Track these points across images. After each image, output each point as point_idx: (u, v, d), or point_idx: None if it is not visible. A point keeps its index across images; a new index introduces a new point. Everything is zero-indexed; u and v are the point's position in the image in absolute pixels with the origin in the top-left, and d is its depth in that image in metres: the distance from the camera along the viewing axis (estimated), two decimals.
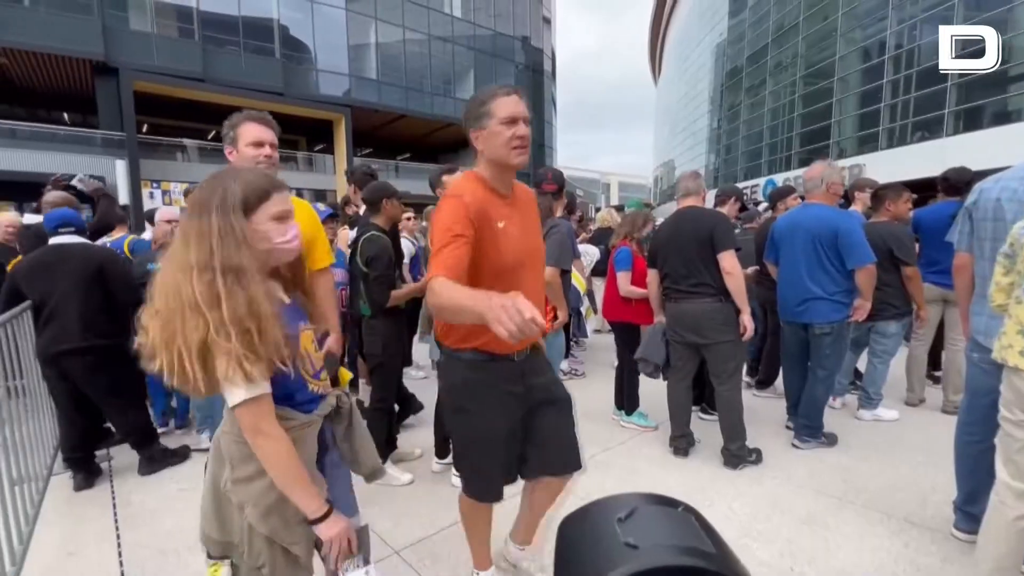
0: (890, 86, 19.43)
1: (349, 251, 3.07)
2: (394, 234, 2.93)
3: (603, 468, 2.88)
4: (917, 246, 3.51)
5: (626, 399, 3.49)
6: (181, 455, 3.02)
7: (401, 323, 2.98)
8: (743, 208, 5.15)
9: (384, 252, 2.64)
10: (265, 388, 1.00)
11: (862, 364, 3.67)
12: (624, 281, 3.41)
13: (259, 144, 1.82)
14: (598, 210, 12.36)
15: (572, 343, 4.83)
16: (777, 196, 4.35)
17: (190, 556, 2.13)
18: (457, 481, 2.71)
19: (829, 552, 2.11)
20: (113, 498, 2.65)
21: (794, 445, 3.08)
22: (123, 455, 3.01)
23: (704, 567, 0.51)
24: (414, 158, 27.68)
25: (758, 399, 3.93)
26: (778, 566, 2.02)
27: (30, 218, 3.72)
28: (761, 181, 25.11)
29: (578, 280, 3.52)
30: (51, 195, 3.58)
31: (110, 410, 2.87)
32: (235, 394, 0.97)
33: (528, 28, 28.50)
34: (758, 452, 2.91)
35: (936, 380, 3.90)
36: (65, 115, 19.82)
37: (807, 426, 3.07)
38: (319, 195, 18.84)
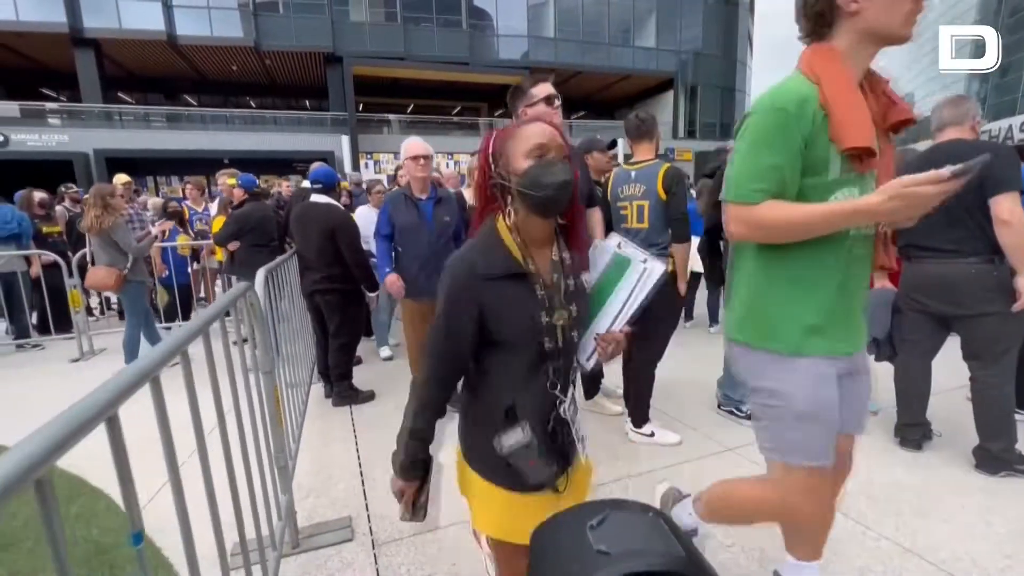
0: None
1: None
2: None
3: None
4: None
5: None
6: (367, 396, 3.42)
7: None
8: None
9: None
10: None
11: None
12: None
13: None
14: None
15: None
16: None
17: None
18: (635, 436, 2.71)
19: None
20: (351, 408, 3.31)
21: None
22: (358, 375, 3.65)
23: (675, 570, 0.51)
24: (589, 115, 27.16)
25: None
26: None
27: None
28: None
29: None
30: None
31: (333, 343, 3.39)
32: None
33: None
34: None
35: None
36: (307, 102, 24.34)
37: None
38: None
